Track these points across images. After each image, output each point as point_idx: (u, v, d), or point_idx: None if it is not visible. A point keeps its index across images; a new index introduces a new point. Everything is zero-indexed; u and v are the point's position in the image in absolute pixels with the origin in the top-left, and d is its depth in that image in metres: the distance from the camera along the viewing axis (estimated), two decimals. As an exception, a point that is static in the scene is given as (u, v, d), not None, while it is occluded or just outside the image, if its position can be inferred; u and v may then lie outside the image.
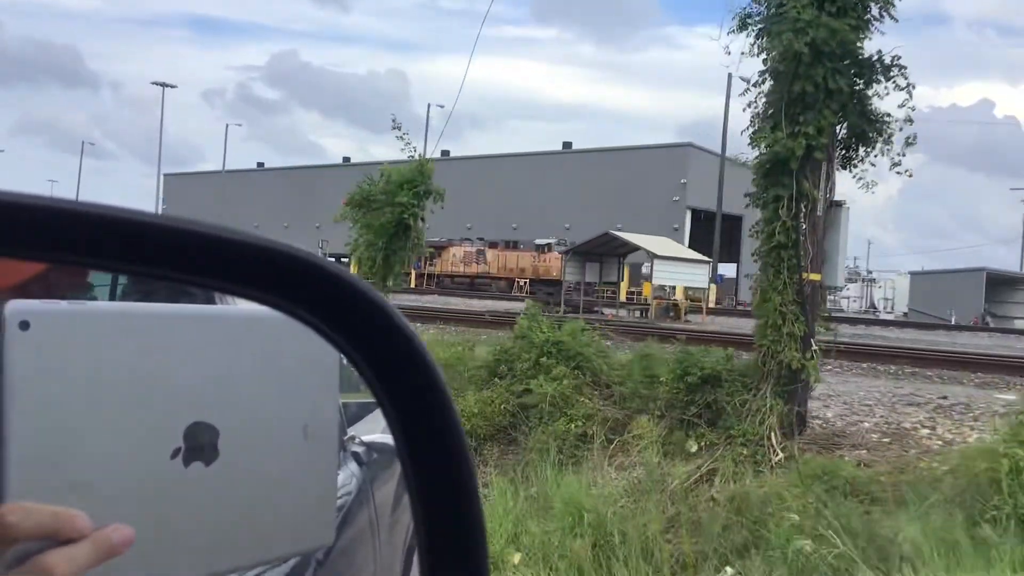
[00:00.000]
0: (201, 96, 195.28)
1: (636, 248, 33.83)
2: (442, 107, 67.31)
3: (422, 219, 13.60)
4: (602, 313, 31.37)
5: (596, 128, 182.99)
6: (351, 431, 1.66)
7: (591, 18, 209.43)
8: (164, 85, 75.37)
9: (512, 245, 61.32)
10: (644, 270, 70.09)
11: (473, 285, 59.90)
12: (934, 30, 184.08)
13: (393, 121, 14.11)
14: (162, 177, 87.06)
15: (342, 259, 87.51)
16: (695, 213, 63.08)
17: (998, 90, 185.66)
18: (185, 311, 0.95)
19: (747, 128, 10.65)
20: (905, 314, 55.79)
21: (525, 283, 58.47)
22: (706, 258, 37.16)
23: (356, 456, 1.71)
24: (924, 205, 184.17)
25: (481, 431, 10.58)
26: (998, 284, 54.97)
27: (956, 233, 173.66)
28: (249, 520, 0.88)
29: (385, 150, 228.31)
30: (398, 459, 1.02)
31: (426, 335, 15.81)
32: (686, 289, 34.72)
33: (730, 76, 50.93)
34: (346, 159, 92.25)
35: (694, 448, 9.43)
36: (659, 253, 31.10)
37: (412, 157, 14.07)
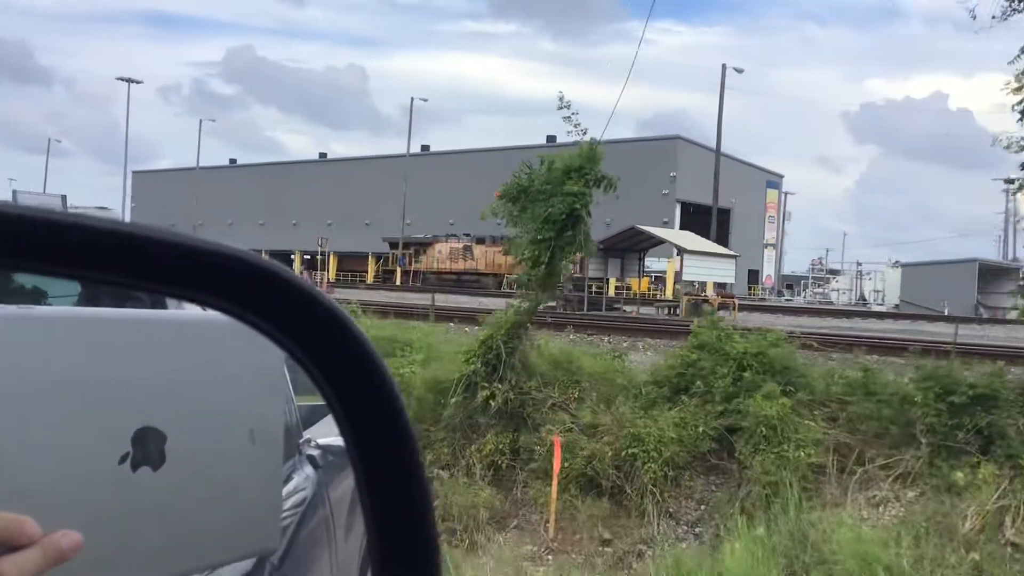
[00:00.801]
0: (157, 92, 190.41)
1: (660, 242, 32.95)
2: (426, 100, 66.13)
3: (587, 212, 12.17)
4: (624, 311, 30.41)
5: (557, 123, 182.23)
6: (307, 434, 1.71)
7: (550, 12, 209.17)
8: (130, 81, 72.71)
9: (501, 241, 60.13)
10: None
11: (460, 282, 58.70)
12: (890, 23, 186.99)
13: (560, 100, 12.45)
14: (130, 175, 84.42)
15: (291, 258, 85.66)
16: (684, 206, 62.57)
17: (952, 83, 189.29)
18: (132, 316, 0.97)
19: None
20: (897, 306, 55.85)
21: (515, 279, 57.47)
22: (733, 252, 36.39)
23: (311, 459, 1.72)
24: (881, 197, 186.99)
25: (679, 459, 9.40)
26: (988, 275, 55.30)
27: (912, 225, 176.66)
28: (196, 524, 0.89)
29: (346, 146, 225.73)
30: (350, 463, 0.99)
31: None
32: (714, 284, 33.95)
33: (724, 67, 50.46)
34: (322, 155, 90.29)
35: (963, 480, 8.20)
36: (689, 248, 30.25)
37: (580, 141, 12.48)
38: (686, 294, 29.52)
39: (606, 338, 17.77)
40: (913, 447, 8.67)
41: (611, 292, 62.79)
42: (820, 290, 66.06)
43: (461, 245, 61.98)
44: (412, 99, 63.42)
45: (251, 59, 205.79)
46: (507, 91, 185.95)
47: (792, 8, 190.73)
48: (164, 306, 1.04)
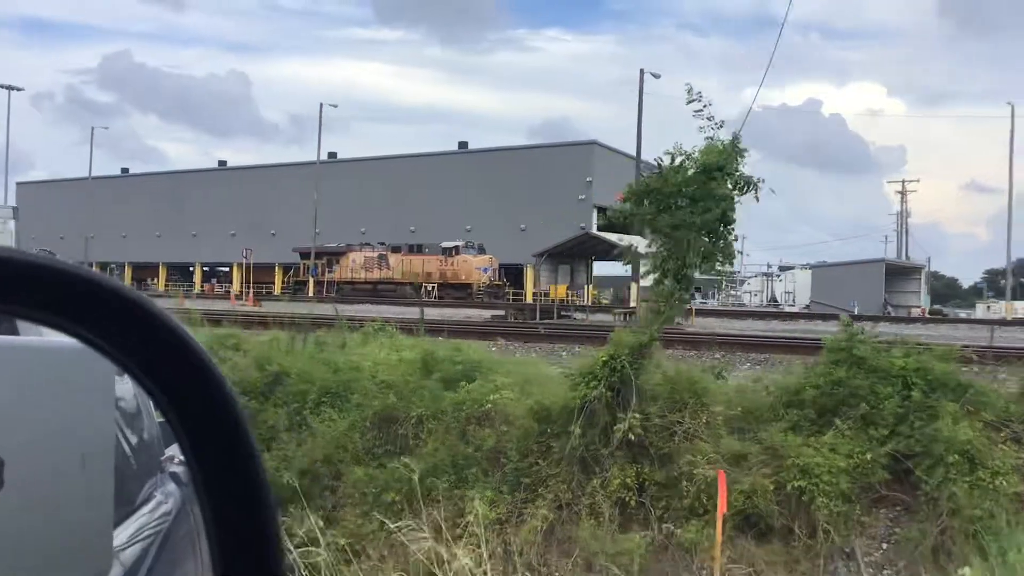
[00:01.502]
0: (29, 100, 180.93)
1: (613, 247, 32.56)
2: (335, 107, 64.38)
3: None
4: (575, 318, 29.83)
5: (448, 130, 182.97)
6: (169, 451, 1.71)
7: (436, 20, 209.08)
8: (11, 88, 68.47)
9: (416, 249, 59.00)
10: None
11: (376, 291, 57.38)
12: (764, 32, 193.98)
13: (688, 92, 10.44)
14: (12, 186, 79.64)
15: (112, 269, 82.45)
16: (601, 211, 62.70)
17: (824, 90, 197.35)
18: None
19: None
20: (807, 307, 57.25)
21: (433, 288, 56.41)
22: None
23: (174, 476, 1.71)
24: (763, 202, 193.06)
25: (851, 492, 8.13)
26: (893, 275, 57.29)
27: (793, 227, 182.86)
28: (30, 550, 0.90)
29: (227, 153, 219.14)
30: (191, 476, 0.99)
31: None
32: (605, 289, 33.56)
33: (642, 72, 50.74)
34: (222, 163, 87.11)
35: None
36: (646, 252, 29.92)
37: (712, 136, 10.29)
38: (643, 299, 29.07)
39: (575, 348, 16.94)
40: None
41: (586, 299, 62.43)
42: (734, 292, 67.41)
43: (376, 254, 60.67)
44: (321, 105, 61.75)
45: (129, 65, 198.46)
46: (396, 99, 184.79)
47: (675, 18, 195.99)
48: (16, 332, 1.01)
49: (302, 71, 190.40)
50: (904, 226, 76.83)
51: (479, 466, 7.20)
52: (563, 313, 30.77)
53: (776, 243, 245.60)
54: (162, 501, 1.58)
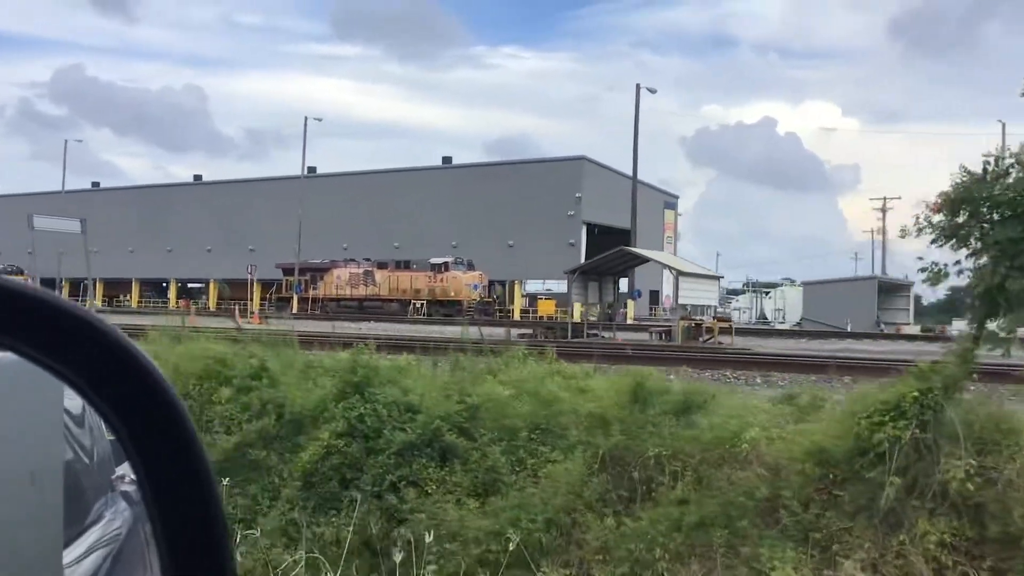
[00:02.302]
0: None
1: (645, 261, 31.65)
2: (320, 120, 63.22)
3: None
4: (603, 337, 28.83)
5: (408, 145, 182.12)
6: (120, 470, 1.64)
7: (395, 36, 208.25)
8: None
9: (404, 265, 57.85)
10: (528, 290, 68.40)
11: (362, 308, 56.11)
12: (721, 51, 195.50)
13: None
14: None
15: (164, 286, 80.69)
16: (589, 227, 62.07)
17: (780, 109, 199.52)
18: None
19: None
20: (799, 324, 56.92)
21: (422, 305, 55.28)
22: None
23: (126, 495, 1.65)
24: (717, 219, 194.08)
25: None
26: (883, 292, 57.15)
27: (746, 244, 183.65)
28: None
29: (182, 168, 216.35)
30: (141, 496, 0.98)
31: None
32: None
33: (639, 87, 50.29)
34: (197, 177, 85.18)
35: None
36: (685, 270, 29.15)
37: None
38: (682, 318, 28.30)
39: (753, 375, 15.72)
40: None
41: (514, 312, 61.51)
42: (721, 309, 66.93)
43: (361, 270, 59.41)
44: (306, 118, 60.47)
45: (81, 79, 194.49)
46: (355, 114, 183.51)
47: (633, 36, 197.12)
48: None
49: (259, 86, 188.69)
50: (884, 243, 77.16)
51: (747, 518, 6.06)
52: (589, 332, 29.86)
53: (733, 261, 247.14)
54: (113, 519, 1.55)
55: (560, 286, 72.90)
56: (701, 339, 27.91)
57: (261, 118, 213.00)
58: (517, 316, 60.49)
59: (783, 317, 59.17)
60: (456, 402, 7.17)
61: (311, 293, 59.82)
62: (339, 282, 59.32)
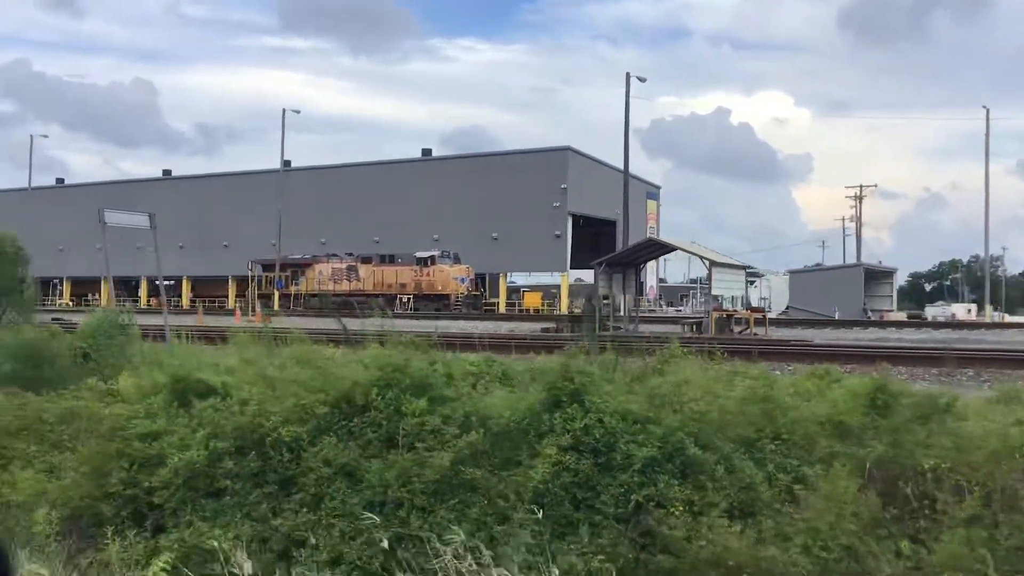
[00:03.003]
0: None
1: (671, 250, 31.06)
2: (298, 112, 61.81)
3: None
4: (626, 330, 28.22)
5: (364, 139, 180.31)
6: None
7: (347, 29, 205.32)
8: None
9: (389, 259, 56.81)
10: (510, 280, 67.49)
11: (347, 304, 55.00)
12: (676, 42, 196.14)
13: None
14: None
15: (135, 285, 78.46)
16: (574, 219, 61.51)
17: (733, 100, 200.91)
18: None
19: None
20: (785, 312, 57.02)
21: (408, 299, 54.35)
22: (743, 264, 35.13)
23: None
24: (674, 210, 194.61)
25: None
26: (867, 280, 57.49)
27: (704, 235, 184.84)
28: None
29: (132, 164, 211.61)
30: None
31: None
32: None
33: (628, 76, 49.76)
34: (166, 172, 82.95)
35: None
36: (718, 260, 28.69)
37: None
38: (714, 309, 27.86)
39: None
40: None
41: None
42: (703, 299, 67.02)
43: (344, 265, 58.28)
44: (284, 111, 59.02)
45: (27, 74, 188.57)
46: (311, 108, 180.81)
47: (588, 29, 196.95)
48: None
49: (209, 80, 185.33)
50: (859, 230, 77.76)
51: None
52: (608, 325, 29.27)
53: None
54: None
55: (548, 278, 72.44)
56: (738, 330, 27.54)
57: (212, 113, 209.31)
58: (502, 309, 59.83)
59: (769, 305, 59.20)
60: (673, 411, 6.52)
61: (292, 289, 58.57)
62: (321, 277, 58.08)
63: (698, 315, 31.00)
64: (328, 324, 29.66)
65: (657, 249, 31.37)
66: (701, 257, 29.91)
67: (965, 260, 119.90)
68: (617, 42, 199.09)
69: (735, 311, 29.30)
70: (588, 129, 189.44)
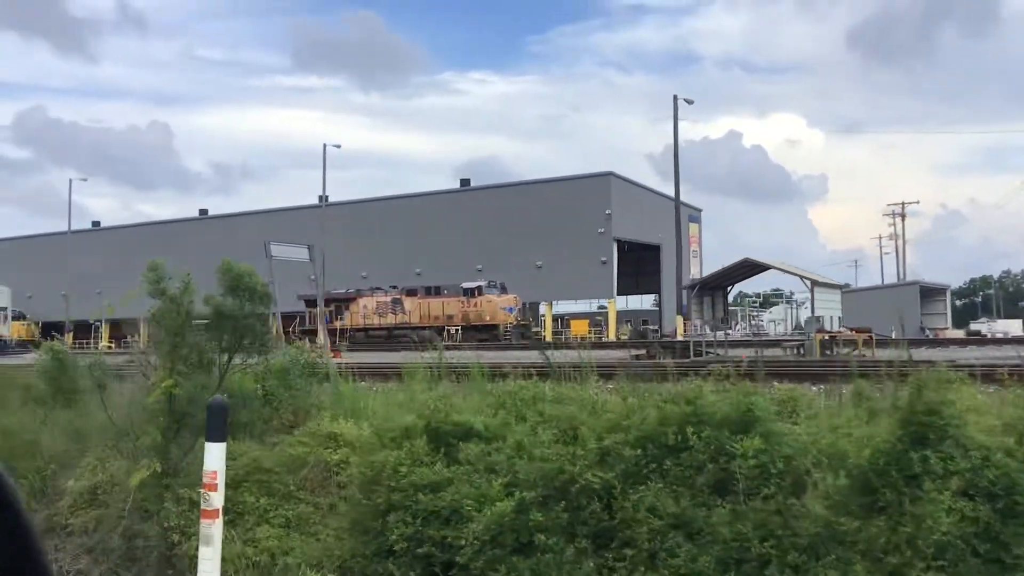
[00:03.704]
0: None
1: (764, 269, 30.31)
2: (339, 147, 61.47)
3: None
4: (716, 354, 27.30)
5: (380, 173, 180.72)
6: None
7: (356, 66, 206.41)
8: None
9: (434, 291, 56.17)
10: (541, 309, 66.86)
11: (392, 337, 54.32)
12: (686, 67, 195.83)
13: None
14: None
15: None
16: (619, 244, 60.81)
17: (746, 123, 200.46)
18: None
19: None
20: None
21: (456, 331, 53.59)
22: (840, 284, 34.34)
23: None
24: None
25: None
26: (922, 297, 56.47)
27: (723, 256, 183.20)
28: None
29: (153, 207, 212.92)
30: None
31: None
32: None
33: (676, 98, 49.27)
34: (203, 211, 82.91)
35: None
36: (820, 280, 27.96)
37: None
38: (818, 331, 27.02)
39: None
40: None
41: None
42: (754, 321, 66.07)
43: (389, 298, 57.62)
44: (325, 146, 58.65)
45: (44, 120, 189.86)
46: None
47: (597, 56, 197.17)
48: None
49: (223, 120, 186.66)
50: (902, 248, 76.72)
51: None
52: (699, 349, 28.45)
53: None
54: None
55: (592, 306, 71.57)
56: (846, 351, 26.61)
57: (226, 152, 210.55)
58: (549, 338, 58.99)
59: (822, 324, 58.24)
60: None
61: (337, 324, 57.91)
62: (366, 311, 57.52)
63: (800, 338, 30.01)
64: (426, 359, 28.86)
65: (749, 270, 30.58)
66: (802, 277, 29.15)
67: (993, 276, 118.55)
68: (627, 68, 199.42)
69: (839, 331, 28.43)
70: (601, 154, 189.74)
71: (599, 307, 60.47)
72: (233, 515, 7.52)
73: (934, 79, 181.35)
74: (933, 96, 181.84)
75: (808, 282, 28.20)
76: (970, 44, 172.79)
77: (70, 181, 68.64)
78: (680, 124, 49.45)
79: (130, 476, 7.85)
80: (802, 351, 26.56)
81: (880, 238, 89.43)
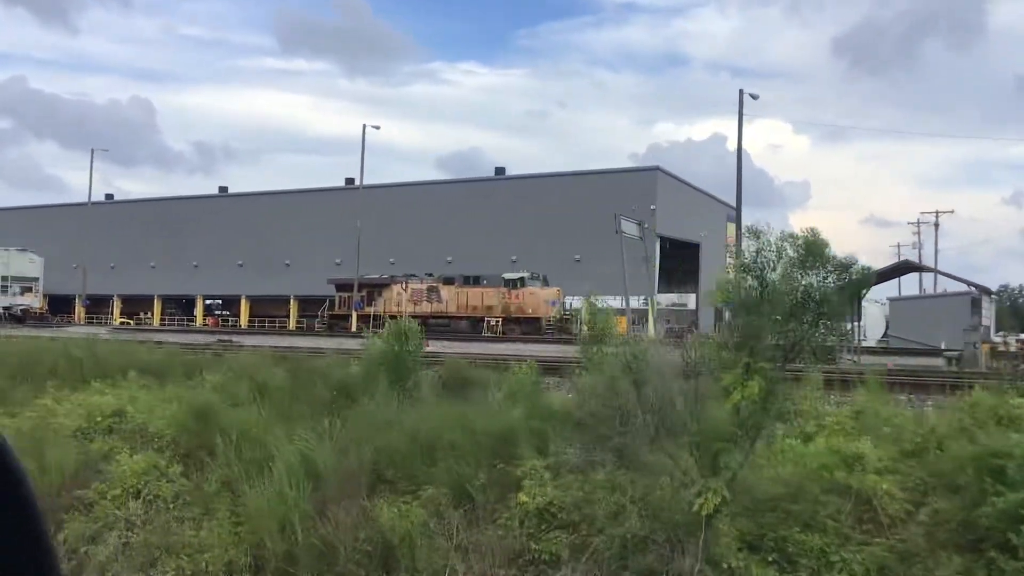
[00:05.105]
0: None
1: (918, 270, 28.85)
2: (378, 128, 59.84)
3: None
4: (853, 361, 25.75)
5: (367, 160, 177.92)
6: None
7: (342, 51, 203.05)
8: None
9: (473, 281, 54.60)
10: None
11: (427, 326, 52.80)
12: (675, 69, 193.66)
13: None
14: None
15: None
16: (661, 241, 59.54)
17: (730, 126, 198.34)
18: None
19: None
20: (884, 341, 54.90)
21: (496, 323, 52.09)
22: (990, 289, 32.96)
23: None
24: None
25: None
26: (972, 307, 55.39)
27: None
28: None
29: (134, 184, 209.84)
30: None
31: None
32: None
33: (741, 92, 47.91)
34: (223, 189, 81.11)
35: None
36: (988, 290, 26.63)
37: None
38: (984, 342, 25.69)
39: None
40: None
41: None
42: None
43: (425, 286, 56.04)
44: (364, 126, 56.86)
45: (24, 91, 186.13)
46: (309, 129, 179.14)
47: (586, 54, 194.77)
48: None
49: (206, 100, 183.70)
50: (935, 257, 75.78)
51: None
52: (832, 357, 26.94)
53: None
54: None
55: (634, 303, 70.08)
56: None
57: (209, 132, 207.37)
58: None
59: (864, 334, 57.10)
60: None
61: (370, 310, 56.31)
62: (400, 299, 55.92)
63: (957, 349, 28.40)
64: (515, 350, 27.46)
65: (903, 272, 29.24)
66: (968, 283, 27.84)
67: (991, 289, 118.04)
68: (616, 67, 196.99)
69: (1007, 343, 27.17)
70: (587, 153, 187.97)
71: (642, 302, 58.98)
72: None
73: (918, 91, 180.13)
74: (917, 107, 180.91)
75: (974, 289, 26.94)
76: (952, 56, 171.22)
77: (92, 151, 66.35)
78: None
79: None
80: (956, 363, 25.23)
81: (899, 246, 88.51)
